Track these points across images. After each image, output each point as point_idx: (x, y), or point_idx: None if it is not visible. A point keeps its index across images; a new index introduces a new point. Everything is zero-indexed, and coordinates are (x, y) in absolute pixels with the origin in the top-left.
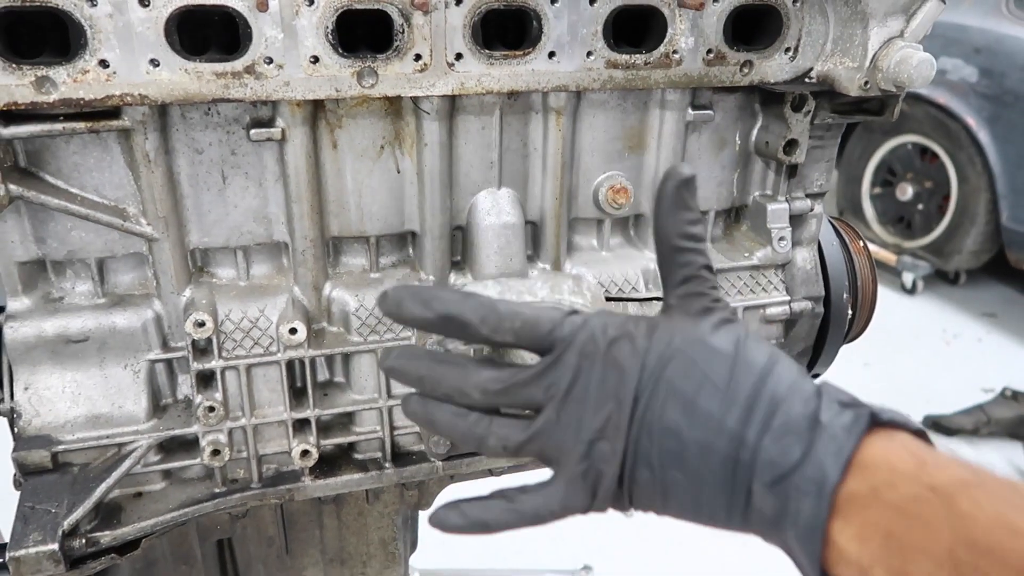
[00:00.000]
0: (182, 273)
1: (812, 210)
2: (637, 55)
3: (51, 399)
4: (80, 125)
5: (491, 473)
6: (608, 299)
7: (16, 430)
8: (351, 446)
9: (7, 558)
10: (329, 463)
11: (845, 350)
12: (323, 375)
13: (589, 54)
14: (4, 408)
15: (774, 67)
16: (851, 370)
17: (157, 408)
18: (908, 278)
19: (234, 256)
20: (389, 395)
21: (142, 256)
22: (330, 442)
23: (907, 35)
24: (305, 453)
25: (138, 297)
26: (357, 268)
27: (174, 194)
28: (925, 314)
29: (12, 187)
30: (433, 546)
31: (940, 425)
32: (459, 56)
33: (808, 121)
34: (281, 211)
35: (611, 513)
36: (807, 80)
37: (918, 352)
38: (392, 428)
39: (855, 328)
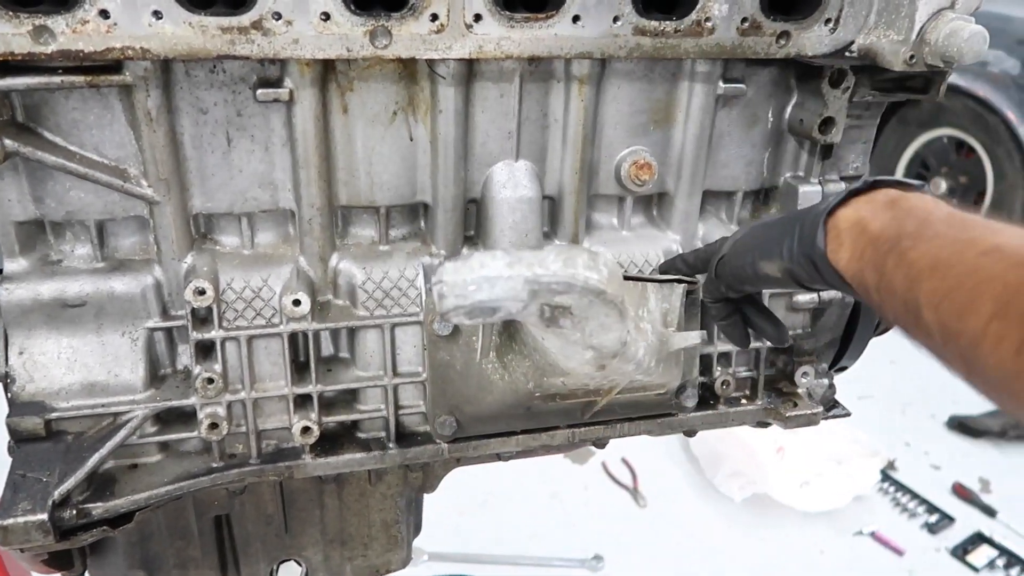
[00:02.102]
0: (184, 239)
1: None
2: (667, 22)
3: (46, 365)
4: (79, 79)
5: (499, 458)
6: (626, 278)
7: (10, 395)
8: (354, 424)
9: None
10: (331, 441)
11: (871, 346)
12: (328, 350)
13: (616, 19)
14: None
15: (813, 39)
16: (877, 367)
17: (155, 378)
18: None
19: (238, 223)
20: (395, 372)
21: (143, 220)
22: (332, 419)
23: (958, 6)
24: (306, 430)
25: (138, 262)
26: (366, 239)
27: (176, 155)
28: None
29: (8, 142)
30: (445, 531)
31: (966, 426)
32: (478, 17)
33: (846, 98)
34: (288, 177)
35: (621, 504)
36: (848, 54)
37: None
38: (397, 407)
39: (886, 321)
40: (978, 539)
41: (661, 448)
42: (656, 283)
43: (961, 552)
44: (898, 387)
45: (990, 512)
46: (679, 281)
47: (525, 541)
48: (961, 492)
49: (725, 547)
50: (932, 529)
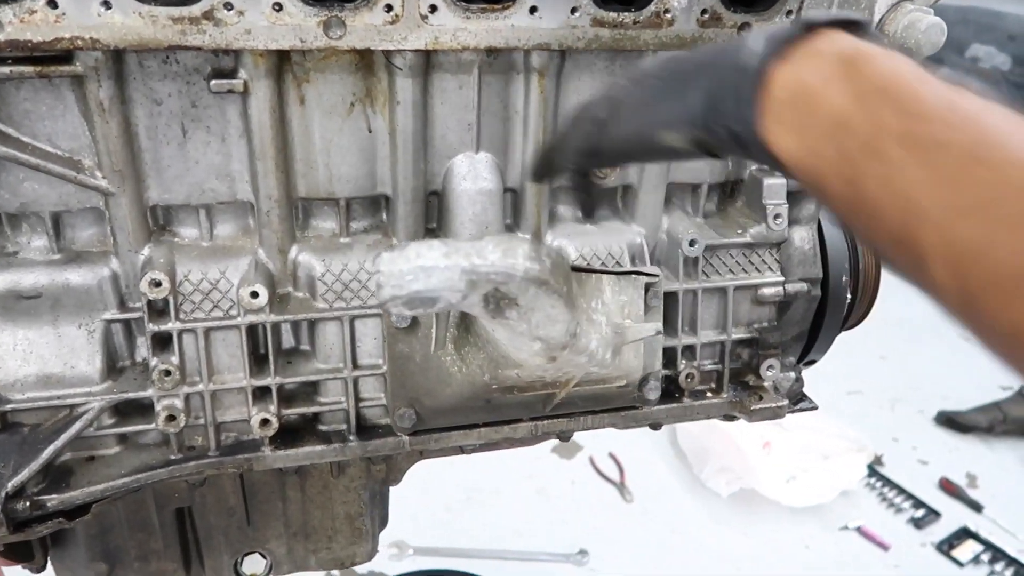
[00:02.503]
0: (140, 230)
1: None
2: (626, 13)
3: (1, 356)
4: (29, 69)
5: (462, 451)
6: (575, 269)
7: None
8: (315, 417)
9: None
10: (291, 433)
11: (862, 342)
12: (289, 342)
13: (574, 10)
14: None
15: None
16: (868, 363)
17: (112, 370)
18: None
19: (197, 215)
20: (355, 365)
21: (99, 211)
22: (292, 411)
23: None
24: (265, 422)
25: (95, 254)
26: (327, 232)
27: (131, 147)
28: None
29: None
30: (431, 526)
31: (955, 421)
32: (433, 8)
33: None
34: (245, 168)
35: (607, 499)
36: None
37: (936, 347)
38: (358, 399)
39: (855, 314)
40: (964, 534)
41: (648, 443)
42: (611, 275)
43: (947, 547)
44: (887, 382)
45: (976, 507)
46: (636, 274)
47: (511, 535)
48: (948, 487)
49: (711, 542)
50: (918, 524)
